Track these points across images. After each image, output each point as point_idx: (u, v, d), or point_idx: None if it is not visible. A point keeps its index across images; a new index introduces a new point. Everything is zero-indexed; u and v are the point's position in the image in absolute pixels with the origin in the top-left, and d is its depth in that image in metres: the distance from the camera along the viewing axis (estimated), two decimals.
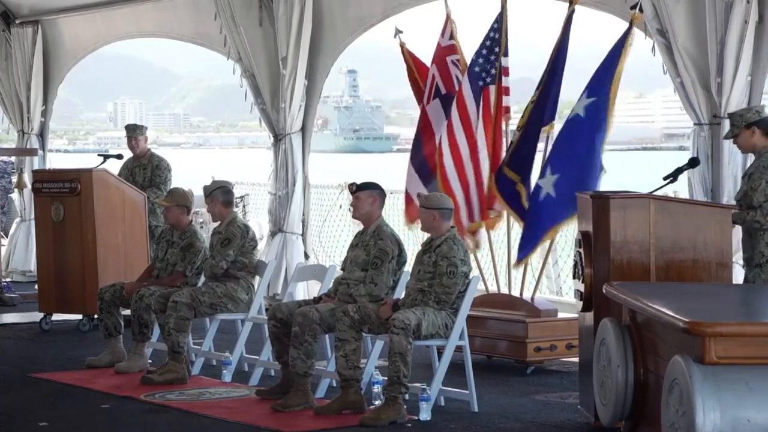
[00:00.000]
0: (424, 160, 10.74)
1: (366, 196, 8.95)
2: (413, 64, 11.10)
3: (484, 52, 10.38)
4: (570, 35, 9.86)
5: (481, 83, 10.36)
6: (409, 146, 11.43)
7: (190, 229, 10.33)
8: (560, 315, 10.08)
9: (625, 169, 37.28)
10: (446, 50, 10.74)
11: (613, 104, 9.45)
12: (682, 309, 6.11)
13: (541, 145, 10.04)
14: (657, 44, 9.40)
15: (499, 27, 10.36)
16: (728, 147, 9.16)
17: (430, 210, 8.58)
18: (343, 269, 9.09)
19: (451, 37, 10.72)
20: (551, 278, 12.59)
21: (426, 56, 10.92)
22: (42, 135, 16.44)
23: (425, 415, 8.26)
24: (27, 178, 15.20)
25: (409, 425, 8.17)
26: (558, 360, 10.12)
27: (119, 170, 12.68)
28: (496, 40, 10.36)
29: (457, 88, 10.50)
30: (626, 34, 9.40)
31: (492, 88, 10.33)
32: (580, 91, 9.61)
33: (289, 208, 13.09)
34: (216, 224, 10.16)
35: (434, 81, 10.69)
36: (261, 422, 8.32)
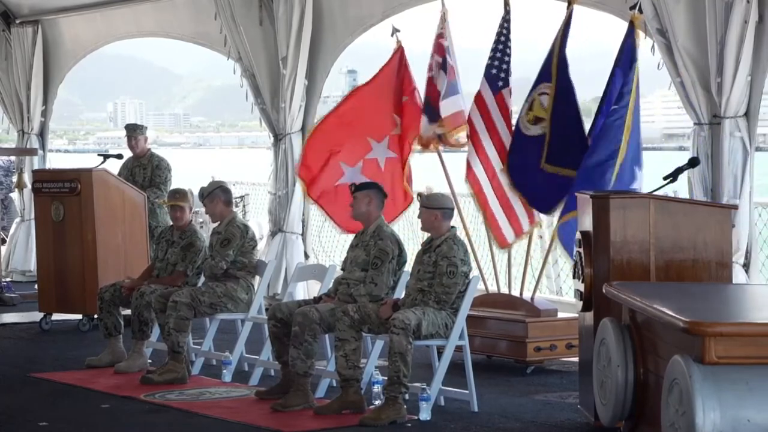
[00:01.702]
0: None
1: (362, 196, 8.95)
2: (398, 69, 10.96)
3: (498, 54, 10.26)
4: (569, 35, 9.80)
5: (500, 83, 10.24)
6: None
7: (191, 229, 10.33)
8: (560, 315, 10.08)
9: None
10: (440, 42, 10.64)
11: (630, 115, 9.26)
12: (682, 309, 6.11)
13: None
14: (657, 44, 9.38)
15: (507, 27, 10.26)
16: (728, 147, 9.15)
17: (432, 210, 8.57)
18: (343, 269, 9.09)
19: (441, 34, 10.60)
20: (551, 278, 12.58)
21: (425, 56, 10.84)
22: (42, 135, 16.43)
23: (425, 414, 8.26)
24: (27, 178, 15.20)
25: (409, 425, 8.17)
26: (558, 360, 10.12)
27: (119, 170, 12.66)
28: (503, 42, 10.27)
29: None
30: (633, 45, 9.30)
31: (506, 91, 10.21)
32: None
33: (289, 208, 13.08)
34: (215, 224, 10.16)
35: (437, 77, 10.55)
36: (261, 422, 8.32)
